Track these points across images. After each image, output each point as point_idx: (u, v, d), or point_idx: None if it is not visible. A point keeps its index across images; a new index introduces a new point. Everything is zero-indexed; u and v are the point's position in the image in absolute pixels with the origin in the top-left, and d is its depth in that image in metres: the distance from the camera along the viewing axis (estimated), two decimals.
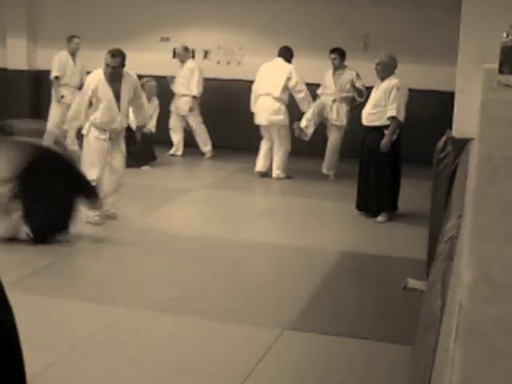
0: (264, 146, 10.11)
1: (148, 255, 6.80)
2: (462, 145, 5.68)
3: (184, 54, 11.30)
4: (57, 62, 11.29)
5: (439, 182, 5.95)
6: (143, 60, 11.39)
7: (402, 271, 6.20)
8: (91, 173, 7.23)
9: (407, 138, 11.19)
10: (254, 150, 10.33)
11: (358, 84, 10.03)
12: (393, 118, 7.85)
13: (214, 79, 12.09)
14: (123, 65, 7.37)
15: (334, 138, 10.24)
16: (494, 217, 1.42)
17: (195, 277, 6.18)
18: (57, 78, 11.31)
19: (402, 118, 7.93)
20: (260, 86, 9.97)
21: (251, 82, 10.34)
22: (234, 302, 5.66)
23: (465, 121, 5.70)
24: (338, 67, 10.12)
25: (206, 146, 11.46)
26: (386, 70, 7.94)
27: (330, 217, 8.57)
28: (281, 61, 9.98)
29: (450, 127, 6.00)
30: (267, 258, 6.78)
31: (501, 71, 3.54)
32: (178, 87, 11.23)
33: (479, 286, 1.08)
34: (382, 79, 7.96)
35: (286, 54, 10.13)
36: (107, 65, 7.33)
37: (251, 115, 10.13)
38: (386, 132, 7.89)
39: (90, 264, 6.41)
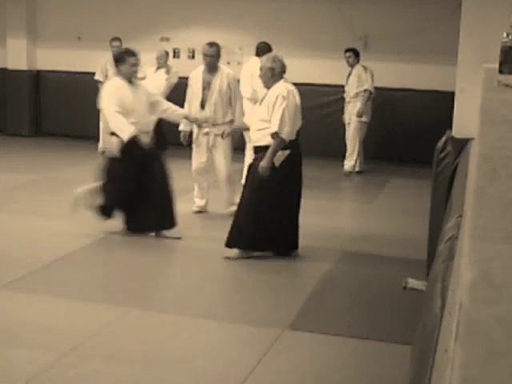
0: None
1: (148, 255, 6.80)
2: (462, 145, 5.68)
3: (166, 59, 11.01)
4: (98, 65, 11.41)
5: (439, 181, 5.95)
6: (143, 60, 11.37)
7: (402, 271, 6.20)
8: None
9: (407, 138, 11.25)
10: None
11: (366, 85, 10.21)
12: (275, 135, 6.27)
13: None
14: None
15: (350, 133, 10.52)
16: (494, 217, 1.42)
17: (195, 277, 6.18)
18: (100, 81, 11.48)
19: (285, 134, 6.26)
20: None
21: None
22: (233, 302, 5.66)
23: (465, 121, 5.70)
24: (353, 65, 10.39)
25: None
26: (268, 76, 6.41)
27: (332, 216, 8.56)
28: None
29: (450, 127, 6.01)
30: (267, 258, 6.76)
31: (501, 71, 3.54)
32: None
33: (479, 286, 1.08)
34: (268, 88, 6.45)
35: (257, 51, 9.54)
36: (205, 55, 7.76)
37: None
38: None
39: (89, 264, 6.40)
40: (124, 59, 6.96)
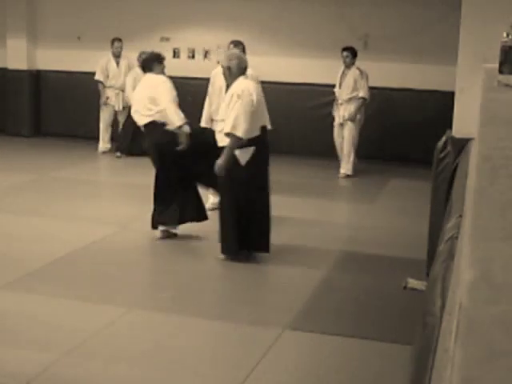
0: None
1: (147, 255, 6.80)
2: (462, 145, 5.68)
3: None
4: (98, 65, 11.47)
5: (439, 181, 5.94)
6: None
7: (402, 271, 6.20)
8: None
9: (407, 139, 11.25)
10: None
11: (362, 92, 10.10)
12: (230, 135, 6.21)
13: None
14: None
15: (346, 135, 10.37)
16: (493, 217, 1.42)
17: (195, 276, 6.18)
18: (100, 81, 11.53)
19: (242, 133, 6.16)
20: None
21: None
22: (234, 302, 5.66)
23: (465, 121, 5.70)
24: (349, 65, 10.24)
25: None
26: (226, 75, 6.48)
27: (332, 217, 8.56)
28: None
29: (450, 127, 6.01)
30: (266, 258, 6.77)
31: (501, 71, 3.54)
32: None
33: (479, 285, 1.08)
34: (231, 84, 6.48)
35: None
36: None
37: None
38: (237, 152, 6.28)
39: (89, 264, 6.40)
40: (161, 60, 7.20)
